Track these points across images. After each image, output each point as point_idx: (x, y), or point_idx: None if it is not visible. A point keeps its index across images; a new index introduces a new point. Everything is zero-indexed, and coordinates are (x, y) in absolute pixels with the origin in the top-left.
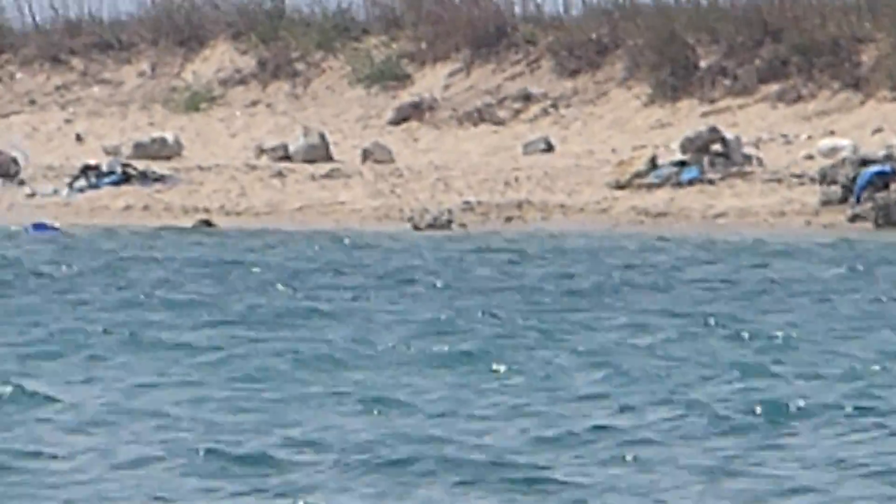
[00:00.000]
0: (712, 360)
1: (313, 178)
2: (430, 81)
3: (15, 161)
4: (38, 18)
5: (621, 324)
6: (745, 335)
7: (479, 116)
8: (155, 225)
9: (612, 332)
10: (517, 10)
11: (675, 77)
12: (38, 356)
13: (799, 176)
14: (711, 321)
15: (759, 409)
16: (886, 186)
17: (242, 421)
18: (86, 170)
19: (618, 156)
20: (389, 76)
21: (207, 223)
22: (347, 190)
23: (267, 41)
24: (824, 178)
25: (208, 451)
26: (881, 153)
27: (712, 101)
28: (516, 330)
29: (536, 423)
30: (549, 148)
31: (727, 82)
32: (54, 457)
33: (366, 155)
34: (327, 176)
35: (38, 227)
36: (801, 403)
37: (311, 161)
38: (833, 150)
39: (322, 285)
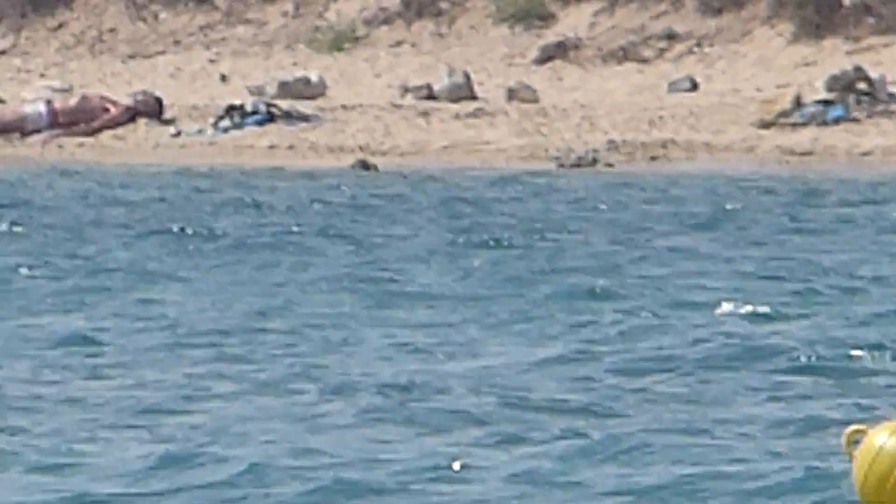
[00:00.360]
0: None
1: (458, 117)
2: (574, 20)
3: (160, 101)
4: None
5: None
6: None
7: (624, 55)
8: (300, 166)
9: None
10: None
11: (819, 15)
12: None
13: None
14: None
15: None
16: None
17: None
18: (230, 109)
19: (762, 94)
20: (534, 15)
21: (364, 164)
22: (492, 129)
23: None
24: None
25: None
26: None
27: (857, 40)
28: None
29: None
30: (694, 87)
31: (872, 21)
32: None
33: (511, 94)
34: (472, 115)
35: None
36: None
37: (455, 100)
38: None
39: None
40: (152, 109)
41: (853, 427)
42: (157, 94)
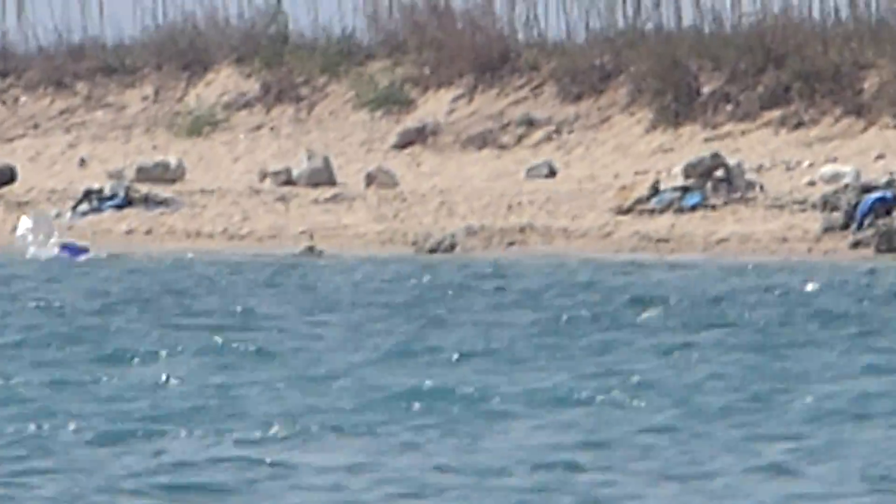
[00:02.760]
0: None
1: (317, 201)
2: (433, 106)
3: (12, 169)
4: (42, 43)
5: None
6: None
7: (483, 141)
8: (164, 249)
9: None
10: (520, 35)
11: (677, 103)
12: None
13: (801, 202)
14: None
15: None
16: (888, 213)
17: None
18: (88, 194)
19: (620, 181)
20: (393, 101)
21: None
22: (351, 214)
23: (271, 65)
24: (826, 204)
25: None
26: (883, 180)
27: (714, 127)
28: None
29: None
30: (552, 173)
31: (729, 108)
32: None
33: (370, 179)
34: (331, 200)
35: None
36: None
37: (314, 185)
38: (835, 177)
39: None
40: (5, 178)
41: None
42: (11, 164)
